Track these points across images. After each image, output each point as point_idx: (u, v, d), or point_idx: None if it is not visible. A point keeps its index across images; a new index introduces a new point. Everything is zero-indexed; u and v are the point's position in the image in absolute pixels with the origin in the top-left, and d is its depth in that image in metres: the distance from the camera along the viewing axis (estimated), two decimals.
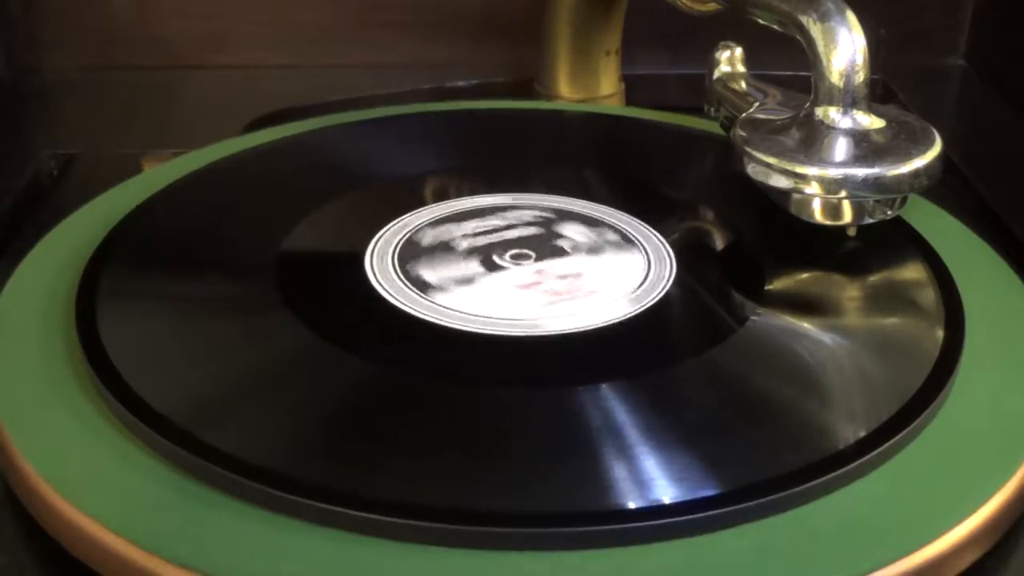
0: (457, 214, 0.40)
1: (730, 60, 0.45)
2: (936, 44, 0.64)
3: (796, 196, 0.37)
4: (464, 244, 0.38)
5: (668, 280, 0.36)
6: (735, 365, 0.33)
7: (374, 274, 0.36)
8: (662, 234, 0.39)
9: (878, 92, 0.60)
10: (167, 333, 0.33)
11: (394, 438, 0.29)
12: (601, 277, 0.36)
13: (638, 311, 0.35)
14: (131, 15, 0.61)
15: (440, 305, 0.34)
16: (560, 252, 0.38)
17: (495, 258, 0.37)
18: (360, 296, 0.35)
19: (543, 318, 0.34)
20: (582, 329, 0.34)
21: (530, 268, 0.37)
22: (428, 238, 0.38)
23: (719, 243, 0.40)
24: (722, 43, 0.45)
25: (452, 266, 0.36)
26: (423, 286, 0.35)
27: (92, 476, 0.29)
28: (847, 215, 0.37)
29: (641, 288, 0.36)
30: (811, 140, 0.37)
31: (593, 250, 0.38)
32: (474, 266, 0.37)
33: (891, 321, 0.36)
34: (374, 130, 0.47)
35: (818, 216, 0.37)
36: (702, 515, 0.27)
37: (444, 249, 0.37)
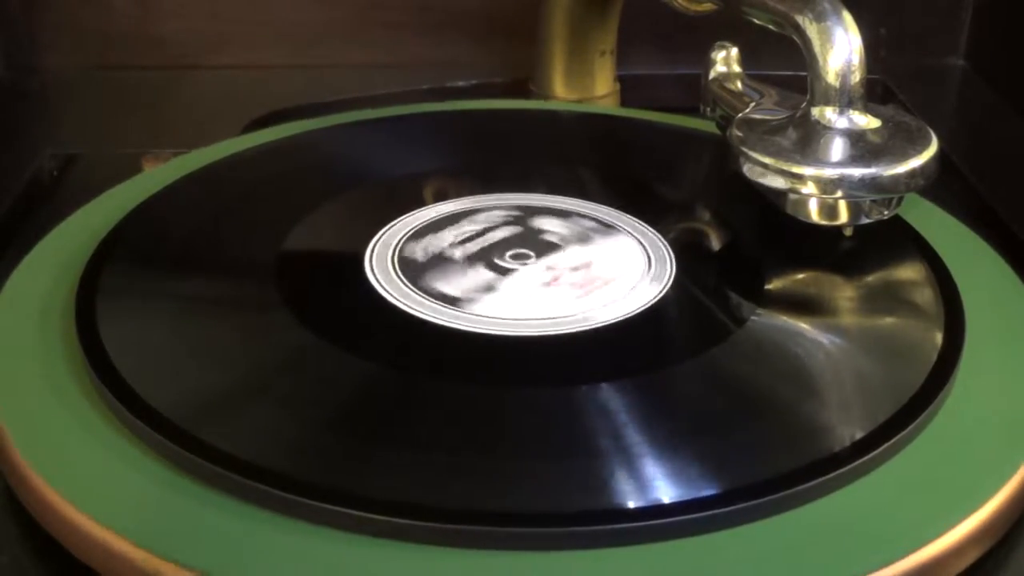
0: (443, 220, 0.40)
1: (726, 60, 0.45)
2: (936, 44, 0.64)
3: (792, 196, 0.37)
4: (458, 253, 0.38)
5: (667, 280, 0.36)
6: (735, 365, 0.33)
7: (373, 274, 0.36)
8: (661, 234, 0.39)
9: (878, 92, 0.60)
10: (167, 333, 0.33)
11: (394, 438, 0.29)
12: (609, 263, 0.37)
13: (638, 311, 0.35)
14: (131, 15, 0.61)
15: (473, 314, 0.34)
16: (554, 246, 0.38)
17: (498, 261, 0.37)
18: (359, 296, 0.35)
19: (588, 310, 0.34)
20: (583, 329, 0.34)
21: (540, 265, 0.37)
22: (419, 251, 0.38)
23: (717, 243, 0.40)
24: (718, 43, 0.45)
25: (465, 276, 0.36)
26: (451, 300, 0.35)
27: (92, 476, 0.29)
28: (843, 215, 0.37)
29: (645, 280, 0.36)
30: (807, 140, 0.37)
31: (581, 239, 0.38)
32: (485, 272, 0.37)
33: (891, 321, 0.36)
34: (373, 130, 0.47)
35: (814, 216, 0.37)
36: (701, 515, 0.27)
37: (443, 260, 0.37)
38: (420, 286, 0.35)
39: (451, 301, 0.35)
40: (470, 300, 0.35)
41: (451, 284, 0.36)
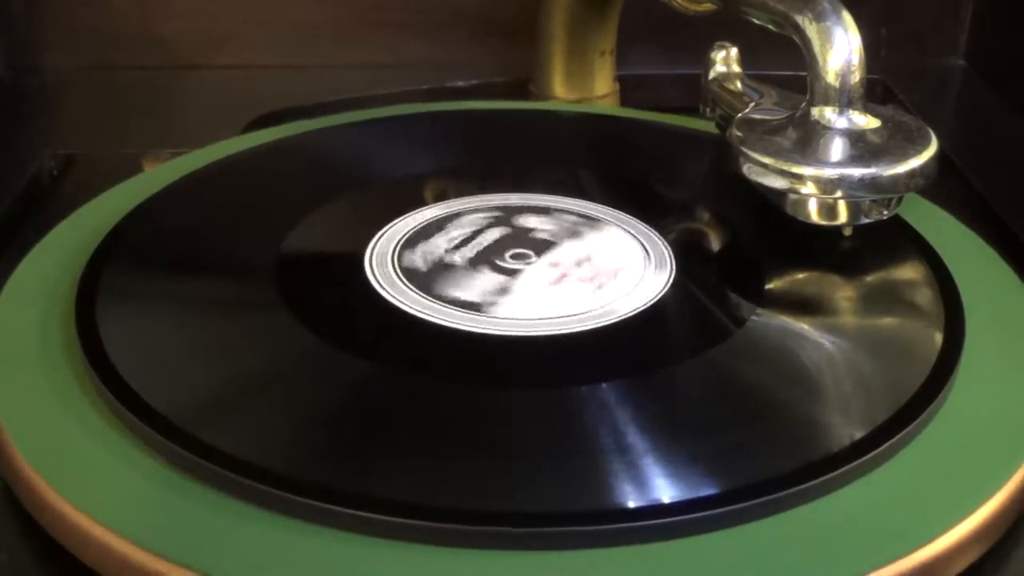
0: (443, 220, 0.40)
1: (725, 60, 0.45)
2: (936, 44, 0.64)
3: (792, 196, 0.37)
4: (458, 254, 0.38)
5: (667, 280, 0.36)
6: (735, 365, 0.33)
7: (373, 274, 0.36)
8: (660, 234, 0.39)
9: (878, 92, 0.60)
10: (167, 333, 0.33)
11: (394, 438, 0.29)
12: (608, 254, 0.37)
13: (638, 311, 0.35)
14: (131, 15, 0.61)
15: (472, 314, 0.34)
16: (552, 246, 0.38)
17: (499, 262, 0.37)
18: (359, 296, 0.35)
19: (611, 303, 0.35)
20: (583, 329, 0.34)
21: (542, 265, 0.37)
22: (420, 252, 0.38)
23: (717, 243, 0.40)
24: (717, 43, 0.45)
25: (466, 277, 0.36)
26: (451, 301, 0.35)
27: (91, 476, 0.29)
28: (843, 215, 0.37)
29: (641, 286, 0.36)
30: (807, 140, 0.37)
31: (572, 234, 0.39)
32: (486, 273, 0.37)
33: (891, 321, 0.36)
34: (373, 131, 0.47)
35: (814, 216, 0.37)
36: (701, 515, 0.27)
37: (444, 261, 0.37)
38: (420, 286, 0.35)
39: (451, 301, 0.35)
40: (469, 300, 0.35)
41: (451, 284, 0.36)
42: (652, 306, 0.35)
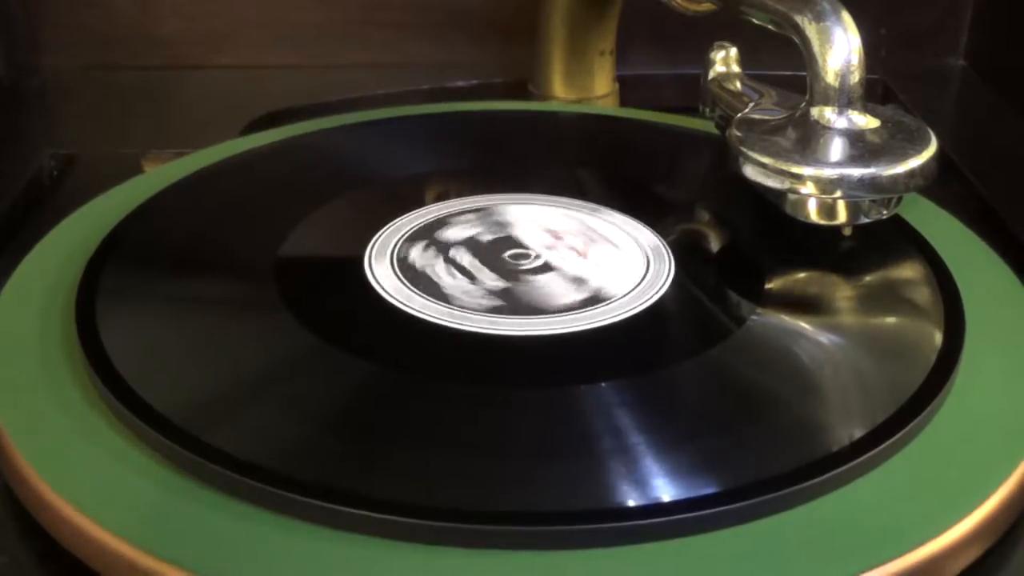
0: (443, 220, 0.40)
1: (725, 60, 0.45)
2: (936, 44, 0.64)
3: (792, 196, 0.37)
4: (458, 253, 0.38)
5: (667, 280, 0.36)
6: (734, 365, 0.33)
7: (373, 275, 0.36)
8: (660, 234, 0.39)
9: (878, 92, 0.60)
10: (167, 333, 0.33)
11: (393, 438, 0.29)
12: (608, 254, 0.37)
13: (638, 311, 0.35)
14: (131, 15, 0.61)
15: (472, 314, 0.34)
16: (549, 244, 0.38)
17: (498, 261, 0.37)
18: (359, 297, 0.35)
19: (588, 309, 0.34)
20: (583, 329, 0.34)
21: (540, 264, 0.37)
22: (419, 252, 0.38)
23: (717, 243, 0.40)
24: (717, 43, 0.45)
25: (465, 276, 0.36)
26: (451, 300, 0.35)
27: (91, 476, 0.29)
28: (843, 215, 0.37)
29: (641, 285, 0.36)
30: (807, 140, 0.37)
31: (572, 234, 0.39)
32: (485, 272, 0.37)
33: (891, 321, 0.36)
34: (373, 131, 0.47)
35: (813, 216, 0.37)
36: (701, 514, 0.27)
37: (443, 261, 0.37)
38: (419, 286, 0.36)
39: (450, 301, 0.35)
40: (469, 299, 0.35)
41: (450, 284, 0.36)
42: (652, 306, 0.35)
